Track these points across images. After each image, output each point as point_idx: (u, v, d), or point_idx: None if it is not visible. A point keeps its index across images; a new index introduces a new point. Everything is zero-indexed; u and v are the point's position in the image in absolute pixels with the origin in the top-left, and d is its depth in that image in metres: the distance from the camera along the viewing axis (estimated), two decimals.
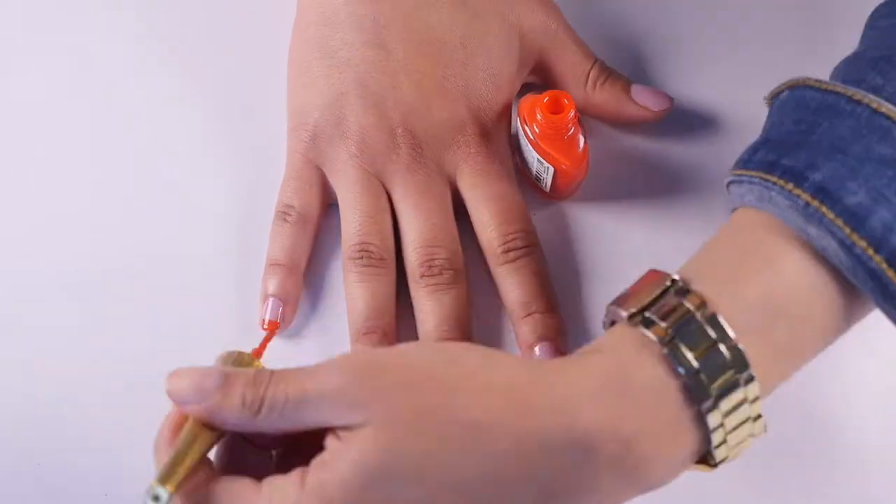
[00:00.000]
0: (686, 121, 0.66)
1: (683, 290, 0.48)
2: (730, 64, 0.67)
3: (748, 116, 0.65)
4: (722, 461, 0.49)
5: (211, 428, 0.48)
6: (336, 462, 0.46)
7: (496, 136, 0.64)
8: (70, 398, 0.61)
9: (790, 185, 0.48)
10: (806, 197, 0.48)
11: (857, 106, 0.49)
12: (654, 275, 0.50)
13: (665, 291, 0.49)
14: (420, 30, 0.63)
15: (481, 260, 0.63)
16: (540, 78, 0.66)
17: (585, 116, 0.66)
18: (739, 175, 0.51)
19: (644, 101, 0.64)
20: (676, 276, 0.49)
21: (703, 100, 0.67)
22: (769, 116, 0.53)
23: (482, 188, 0.62)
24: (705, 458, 0.49)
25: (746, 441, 0.49)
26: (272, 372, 0.48)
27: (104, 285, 0.63)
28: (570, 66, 0.65)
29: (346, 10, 0.63)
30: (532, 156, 0.62)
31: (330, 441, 0.47)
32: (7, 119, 0.68)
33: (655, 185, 0.65)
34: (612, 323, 0.51)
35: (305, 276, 0.63)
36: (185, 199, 0.66)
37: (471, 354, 0.49)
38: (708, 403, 0.47)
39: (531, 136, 0.62)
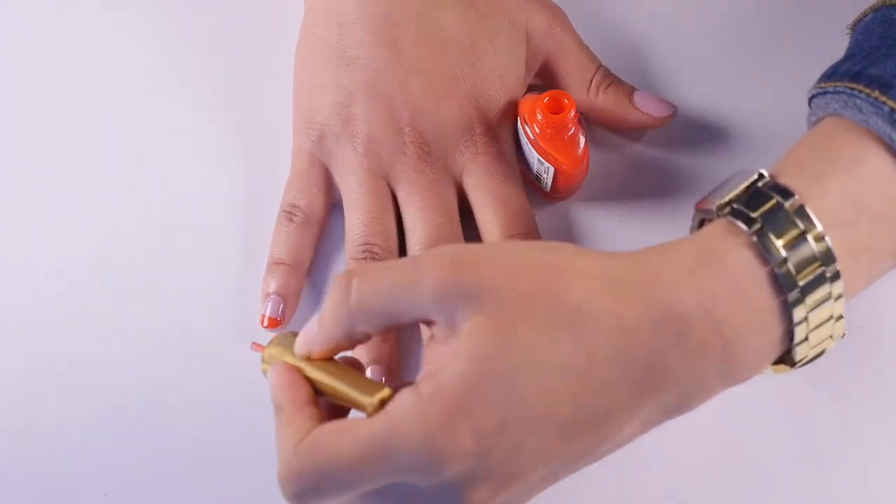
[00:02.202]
0: (687, 122, 0.66)
1: (771, 184, 0.50)
2: (732, 67, 0.68)
3: (749, 117, 0.66)
4: (801, 361, 0.50)
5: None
6: (451, 361, 0.46)
7: (503, 138, 0.64)
8: (70, 398, 0.61)
9: (876, 93, 0.50)
10: (892, 104, 0.49)
11: None
12: (739, 173, 0.51)
13: (752, 184, 0.50)
14: (431, 29, 0.63)
15: None
16: (544, 81, 0.66)
17: (587, 121, 0.66)
18: (824, 87, 0.52)
19: (647, 107, 0.65)
20: (764, 171, 0.50)
21: (704, 102, 0.67)
22: (852, 38, 0.55)
23: (488, 189, 0.62)
24: (783, 358, 0.51)
25: (826, 342, 0.50)
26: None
27: (104, 284, 0.63)
28: (575, 69, 0.65)
29: (357, 9, 0.63)
30: (532, 156, 0.62)
31: (431, 348, 0.48)
32: (9, 119, 0.68)
33: (655, 186, 0.65)
34: (701, 224, 0.52)
35: (309, 276, 0.63)
36: (186, 198, 0.66)
37: (562, 245, 0.50)
38: (794, 294, 0.48)
39: (531, 136, 0.62)
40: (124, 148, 0.67)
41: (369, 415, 0.48)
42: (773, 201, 0.49)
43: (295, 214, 0.63)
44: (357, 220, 0.62)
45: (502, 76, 0.64)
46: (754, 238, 0.48)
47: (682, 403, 0.49)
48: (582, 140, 0.62)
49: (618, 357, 0.47)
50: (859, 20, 0.56)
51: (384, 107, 0.62)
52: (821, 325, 0.49)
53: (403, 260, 0.54)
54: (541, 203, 0.65)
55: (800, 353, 0.50)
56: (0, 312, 0.63)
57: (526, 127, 0.62)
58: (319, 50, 0.64)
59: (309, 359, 0.51)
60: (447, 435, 0.45)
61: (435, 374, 0.47)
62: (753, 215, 0.49)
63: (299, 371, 0.51)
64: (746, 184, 0.50)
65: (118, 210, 0.65)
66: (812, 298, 0.48)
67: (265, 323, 0.61)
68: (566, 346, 0.46)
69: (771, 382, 0.59)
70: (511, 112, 0.64)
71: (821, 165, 0.50)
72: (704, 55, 0.68)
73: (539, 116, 0.61)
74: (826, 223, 0.49)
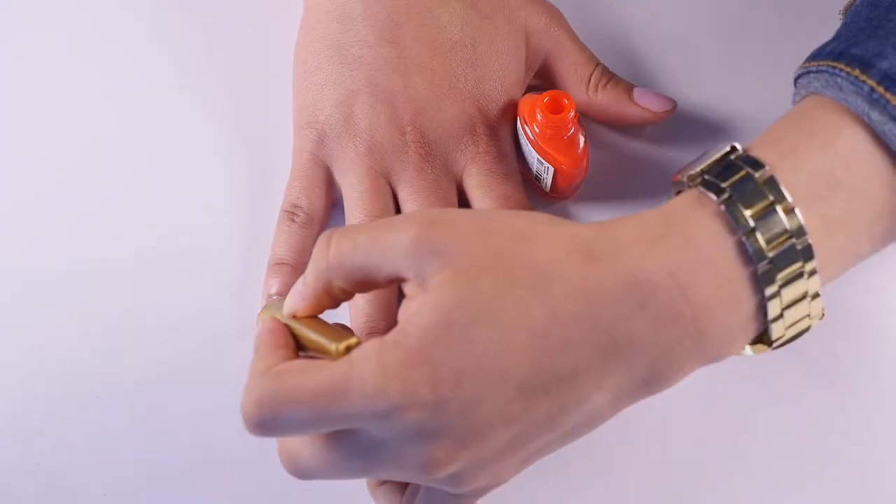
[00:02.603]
0: (687, 121, 0.66)
1: (743, 156, 0.50)
2: (731, 65, 0.68)
3: (749, 117, 0.66)
4: (779, 341, 0.50)
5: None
6: (417, 313, 0.47)
7: (503, 137, 0.64)
8: (70, 398, 0.61)
9: (857, 72, 0.50)
10: (872, 83, 0.49)
11: None
12: (714, 148, 0.51)
13: (725, 156, 0.50)
14: (433, 29, 0.63)
15: None
16: (543, 80, 0.67)
17: (587, 119, 0.66)
18: (808, 67, 0.52)
19: (646, 103, 0.65)
20: (737, 144, 0.50)
21: (703, 100, 0.67)
22: (842, 23, 0.55)
23: (488, 188, 0.62)
24: (761, 338, 0.50)
25: (804, 321, 0.50)
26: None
27: (105, 284, 0.64)
28: (573, 68, 0.65)
29: (359, 8, 0.63)
30: (532, 156, 0.62)
31: (403, 305, 0.48)
32: (9, 119, 0.68)
33: (655, 186, 0.65)
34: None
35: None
36: (186, 198, 0.66)
37: (535, 213, 0.51)
38: (764, 265, 0.48)
39: (531, 136, 0.62)
40: (124, 148, 0.67)
41: (334, 360, 0.49)
42: (742, 172, 0.49)
43: (297, 214, 0.63)
44: (357, 218, 0.62)
45: (502, 76, 0.64)
46: (722, 207, 0.49)
47: (654, 377, 0.49)
48: (581, 140, 0.62)
49: (580, 318, 0.47)
50: (850, 4, 0.56)
51: (386, 106, 0.62)
52: (795, 302, 0.49)
53: (380, 220, 0.55)
54: (541, 203, 0.65)
55: (776, 331, 0.50)
56: (1, 312, 0.63)
57: (526, 127, 0.62)
58: (320, 48, 0.64)
59: (295, 317, 0.53)
60: (403, 381, 0.46)
61: (401, 326, 0.47)
62: (723, 185, 0.49)
63: (286, 326, 0.53)
64: (718, 156, 0.50)
65: (118, 210, 0.65)
66: (783, 272, 0.48)
67: None
68: (528, 303, 0.47)
69: (766, 378, 0.60)
70: (511, 112, 0.64)
71: (795, 140, 0.50)
72: (704, 56, 0.68)
73: (539, 116, 0.61)
74: (797, 196, 0.49)
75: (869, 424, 0.59)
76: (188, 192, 0.66)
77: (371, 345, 0.47)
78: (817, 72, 0.52)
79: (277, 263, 0.62)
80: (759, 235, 0.48)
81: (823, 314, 0.51)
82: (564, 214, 0.64)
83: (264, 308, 0.55)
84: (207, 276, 0.64)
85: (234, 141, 0.67)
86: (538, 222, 0.50)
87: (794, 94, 0.54)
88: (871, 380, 0.60)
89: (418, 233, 0.48)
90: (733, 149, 0.50)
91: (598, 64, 0.66)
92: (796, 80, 0.54)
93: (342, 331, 0.52)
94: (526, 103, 0.62)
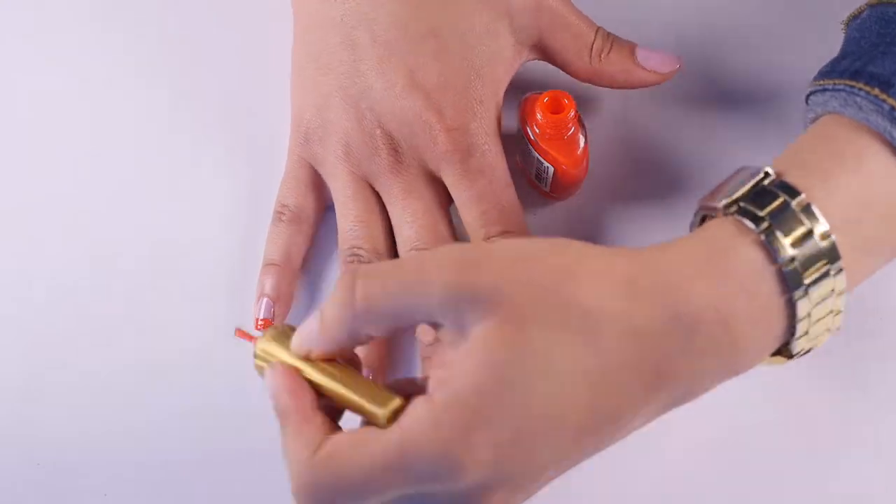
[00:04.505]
0: (687, 120, 0.66)
1: (777, 182, 0.50)
2: (731, 66, 0.67)
3: (751, 115, 0.66)
4: (798, 353, 0.51)
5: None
6: (463, 369, 0.46)
7: (477, 128, 0.61)
8: (70, 398, 0.61)
9: (876, 91, 0.50)
10: (892, 101, 0.50)
11: None
12: (743, 170, 0.51)
13: (758, 182, 0.50)
14: (387, 26, 0.61)
15: None
16: (542, 56, 0.64)
17: (593, 87, 0.65)
18: (823, 84, 0.52)
19: (652, 65, 0.63)
20: (769, 170, 0.50)
21: (704, 98, 0.66)
22: (847, 35, 0.55)
23: (462, 188, 0.60)
24: (780, 349, 0.51)
25: (823, 335, 0.51)
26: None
27: (103, 285, 0.64)
28: (572, 39, 0.63)
29: (320, 14, 0.62)
30: (532, 156, 0.62)
31: (440, 353, 0.48)
32: (9, 119, 0.68)
33: (656, 185, 0.64)
34: (703, 220, 0.52)
35: (305, 275, 0.63)
36: (185, 200, 0.66)
37: (570, 243, 0.50)
38: (800, 292, 0.49)
39: (531, 136, 0.62)
40: (123, 150, 0.67)
41: (381, 426, 0.47)
42: (780, 200, 0.49)
43: (284, 214, 0.62)
44: (344, 223, 0.62)
45: (471, 59, 0.61)
46: (762, 237, 0.49)
47: (686, 396, 0.50)
48: (582, 140, 0.62)
49: (630, 361, 0.47)
50: (854, 16, 0.56)
51: (354, 110, 0.61)
52: (821, 319, 0.50)
53: (408, 261, 0.53)
54: (541, 203, 0.64)
55: (798, 346, 0.50)
56: (1, 313, 0.63)
57: (526, 127, 0.62)
58: (302, 55, 0.63)
59: (307, 358, 0.50)
60: (463, 445, 0.45)
61: (447, 381, 0.46)
62: (761, 214, 0.49)
63: (299, 372, 0.50)
64: (752, 182, 0.50)
65: (117, 211, 0.65)
66: (817, 296, 0.49)
67: (258, 325, 0.61)
68: (579, 351, 0.46)
69: (771, 382, 0.60)
70: (487, 96, 0.62)
71: (825, 164, 0.50)
72: (705, 56, 0.68)
73: (539, 116, 0.61)
74: (832, 221, 0.49)
75: (874, 429, 0.59)
76: (188, 194, 0.66)
77: (421, 408, 0.46)
78: (834, 90, 0.52)
79: (267, 264, 0.62)
80: (797, 264, 0.48)
81: (839, 327, 0.51)
82: (564, 214, 0.64)
83: (263, 338, 0.52)
84: (207, 278, 0.63)
85: (234, 142, 0.67)
86: (577, 257, 0.49)
87: (807, 111, 0.54)
88: (877, 384, 0.60)
89: (454, 280, 0.47)
90: (766, 174, 0.50)
91: (597, 29, 0.63)
92: (808, 96, 0.54)
93: (362, 378, 0.50)
94: (526, 103, 0.62)
